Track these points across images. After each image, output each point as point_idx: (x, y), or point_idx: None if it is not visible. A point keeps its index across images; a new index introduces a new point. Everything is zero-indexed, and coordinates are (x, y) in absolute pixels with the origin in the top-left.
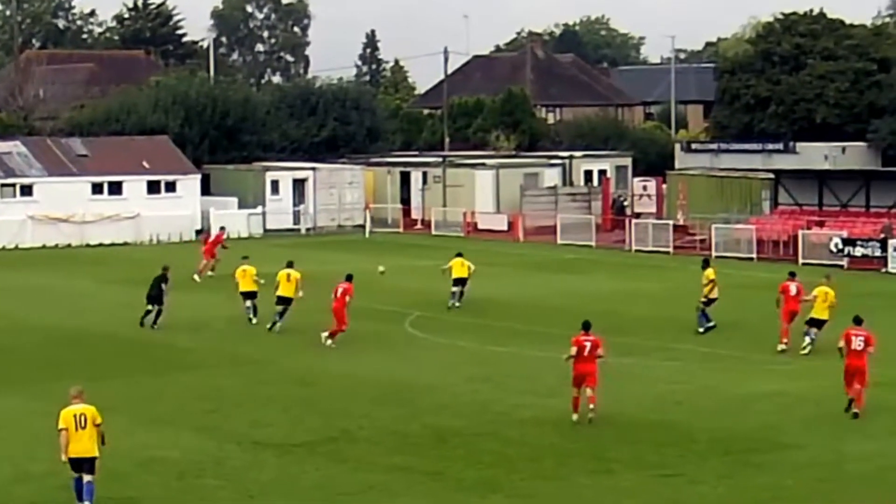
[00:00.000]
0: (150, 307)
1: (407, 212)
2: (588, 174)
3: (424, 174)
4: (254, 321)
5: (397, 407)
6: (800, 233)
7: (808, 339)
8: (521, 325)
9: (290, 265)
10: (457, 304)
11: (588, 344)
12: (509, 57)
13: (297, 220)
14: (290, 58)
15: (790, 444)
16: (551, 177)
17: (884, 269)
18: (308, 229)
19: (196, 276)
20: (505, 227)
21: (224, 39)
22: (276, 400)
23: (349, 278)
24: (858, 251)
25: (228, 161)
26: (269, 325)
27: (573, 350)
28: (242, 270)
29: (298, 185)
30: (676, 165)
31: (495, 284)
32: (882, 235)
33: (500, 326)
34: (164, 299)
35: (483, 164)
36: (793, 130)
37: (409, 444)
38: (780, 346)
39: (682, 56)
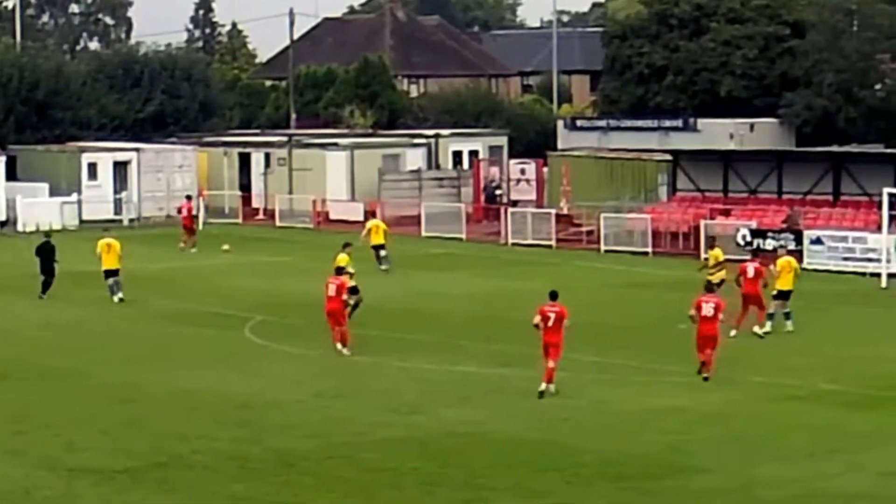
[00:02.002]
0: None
1: (247, 200)
2: (457, 156)
3: (267, 156)
4: (115, 300)
5: (236, 427)
6: (702, 223)
7: (783, 320)
8: (378, 332)
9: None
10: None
11: (552, 315)
12: (365, 20)
13: (118, 209)
14: (109, 20)
15: (693, 468)
16: (414, 159)
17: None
18: (132, 220)
19: (193, 249)
20: (361, 218)
21: None
22: (94, 420)
23: (339, 272)
24: (769, 244)
25: (38, 141)
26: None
27: (537, 318)
28: (107, 244)
29: (120, 168)
30: (559, 146)
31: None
32: (786, 225)
33: (355, 333)
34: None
35: (335, 145)
36: (693, 105)
37: (251, 471)
38: (732, 333)
39: (565, 19)
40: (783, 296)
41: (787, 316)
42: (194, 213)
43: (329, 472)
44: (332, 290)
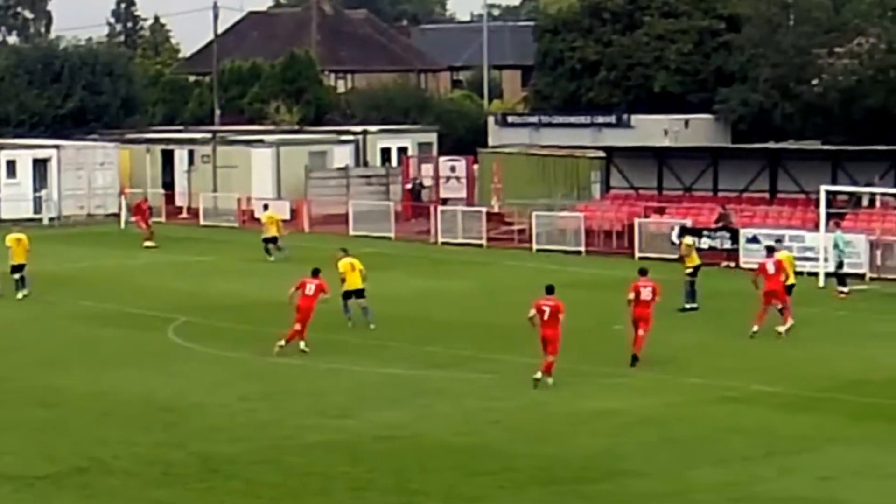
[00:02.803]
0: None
1: (170, 198)
2: (385, 153)
3: (191, 153)
4: (20, 296)
5: (159, 431)
6: (636, 221)
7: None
8: (306, 333)
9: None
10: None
11: (547, 309)
12: (291, 13)
13: (37, 208)
14: (28, 14)
15: (629, 472)
16: (342, 156)
17: (725, 264)
18: (52, 219)
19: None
20: (287, 216)
21: None
22: (13, 425)
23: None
24: (705, 243)
25: None
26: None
27: (531, 312)
28: (16, 239)
29: (39, 166)
30: (490, 142)
31: (275, 284)
32: (719, 224)
33: (282, 334)
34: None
35: (261, 142)
36: (627, 101)
37: (174, 476)
38: (754, 328)
39: (496, 13)
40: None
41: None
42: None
43: (255, 478)
44: (309, 290)
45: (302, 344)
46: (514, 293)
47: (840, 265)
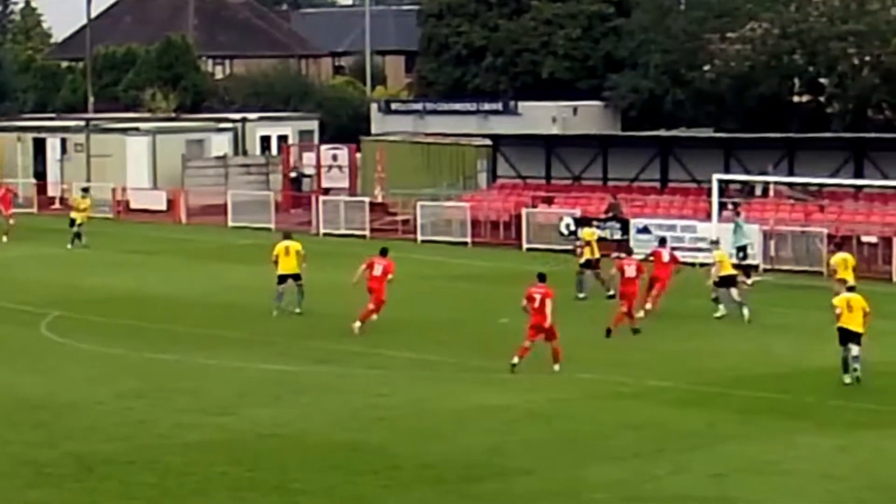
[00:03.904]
0: None
1: (42, 188)
2: (265, 141)
3: (63, 141)
4: None
5: (31, 430)
6: (524, 211)
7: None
8: (184, 328)
9: None
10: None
11: (538, 296)
12: None
13: None
14: None
15: (517, 470)
16: (220, 144)
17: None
18: None
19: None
20: (164, 207)
21: None
22: None
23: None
24: (595, 234)
25: None
26: None
27: (524, 302)
28: None
29: None
30: (373, 130)
31: (153, 277)
32: (609, 214)
33: (159, 329)
34: None
35: (136, 130)
36: (514, 87)
37: (47, 476)
38: (641, 312)
39: None
40: (728, 282)
41: (717, 301)
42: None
43: (132, 478)
44: (377, 271)
45: (357, 326)
46: (398, 286)
47: (744, 255)
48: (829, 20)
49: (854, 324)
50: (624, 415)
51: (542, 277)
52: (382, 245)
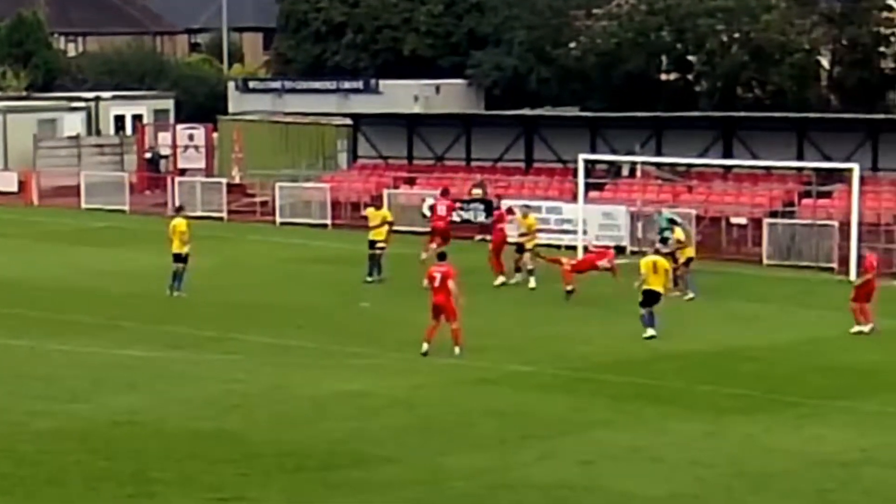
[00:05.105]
0: None
1: None
2: (119, 120)
3: None
4: None
5: None
6: (385, 192)
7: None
8: (36, 312)
9: None
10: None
11: (438, 275)
12: None
13: None
14: None
15: (378, 458)
16: (73, 124)
17: (480, 237)
18: None
19: None
20: (15, 189)
21: None
22: None
23: (442, 257)
24: (458, 215)
25: None
26: None
27: (425, 282)
28: None
29: None
30: (230, 109)
31: (4, 261)
32: (477, 194)
33: (9, 314)
34: None
35: None
36: (375, 65)
37: None
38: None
39: None
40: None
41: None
42: None
43: None
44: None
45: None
46: (256, 270)
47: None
48: None
49: (657, 284)
50: (486, 401)
51: (442, 256)
52: (241, 227)
